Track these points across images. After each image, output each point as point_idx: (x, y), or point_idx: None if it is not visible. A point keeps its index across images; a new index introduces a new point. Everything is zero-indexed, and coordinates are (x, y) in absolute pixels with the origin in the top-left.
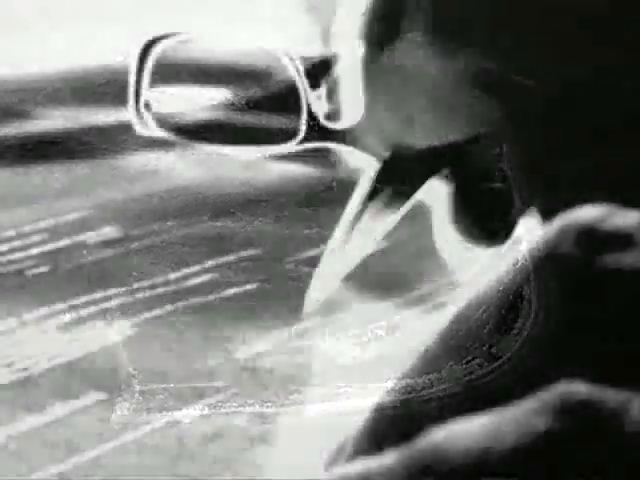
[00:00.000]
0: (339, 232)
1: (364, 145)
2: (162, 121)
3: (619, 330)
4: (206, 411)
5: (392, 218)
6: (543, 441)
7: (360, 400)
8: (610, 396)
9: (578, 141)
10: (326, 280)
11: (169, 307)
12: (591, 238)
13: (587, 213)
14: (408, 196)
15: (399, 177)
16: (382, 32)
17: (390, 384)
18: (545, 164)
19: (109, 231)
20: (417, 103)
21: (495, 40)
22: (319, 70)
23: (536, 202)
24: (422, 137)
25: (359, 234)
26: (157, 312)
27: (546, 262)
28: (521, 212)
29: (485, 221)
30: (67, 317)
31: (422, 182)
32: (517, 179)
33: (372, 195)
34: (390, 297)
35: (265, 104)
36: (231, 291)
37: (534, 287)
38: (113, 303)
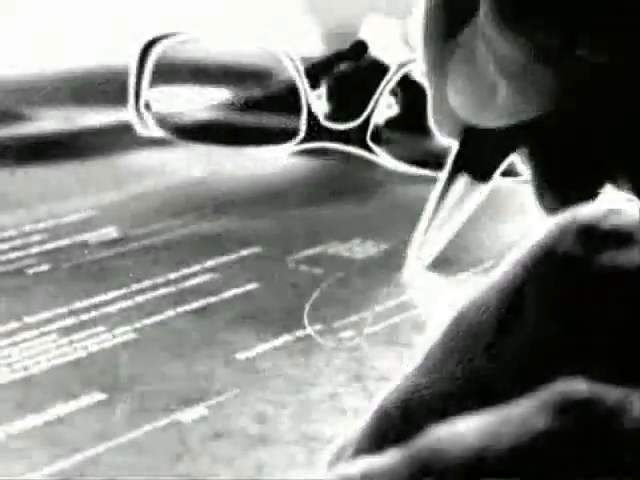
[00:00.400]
0: (423, 222)
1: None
2: (162, 121)
3: (619, 329)
4: (206, 412)
5: (472, 202)
6: (543, 440)
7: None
8: (610, 395)
9: None
10: (412, 268)
11: (169, 307)
12: (591, 236)
13: (587, 211)
14: (487, 178)
15: (477, 160)
16: (452, 19)
17: (392, 384)
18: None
19: (109, 231)
20: (489, 84)
21: (560, 16)
22: (319, 70)
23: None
24: (497, 117)
25: (440, 221)
26: (157, 312)
27: (546, 261)
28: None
29: (568, 196)
30: (68, 318)
31: (501, 162)
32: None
33: (451, 181)
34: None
35: (265, 104)
36: (231, 290)
37: (534, 286)
38: (113, 303)
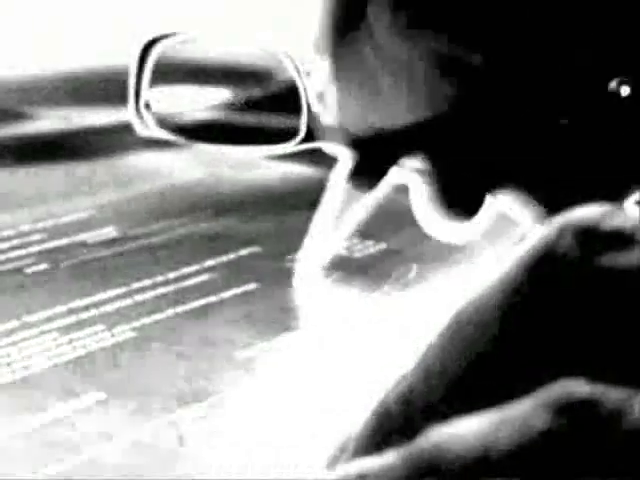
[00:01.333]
0: (317, 221)
1: (339, 136)
2: (162, 121)
3: (619, 330)
4: (206, 412)
5: (367, 202)
6: (543, 440)
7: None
8: (611, 395)
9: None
10: (307, 271)
11: (169, 306)
12: (590, 237)
13: (586, 212)
14: (380, 179)
15: (372, 162)
16: (346, 19)
17: (392, 383)
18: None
19: (109, 231)
20: (383, 84)
21: (456, 22)
22: (319, 70)
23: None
24: (390, 118)
25: (337, 221)
26: (156, 311)
27: (545, 261)
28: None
29: (461, 200)
30: (67, 317)
31: (394, 164)
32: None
33: (348, 181)
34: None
35: (265, 104)
36: (231, 290)
37: (533, 287)
38: (112, 302)
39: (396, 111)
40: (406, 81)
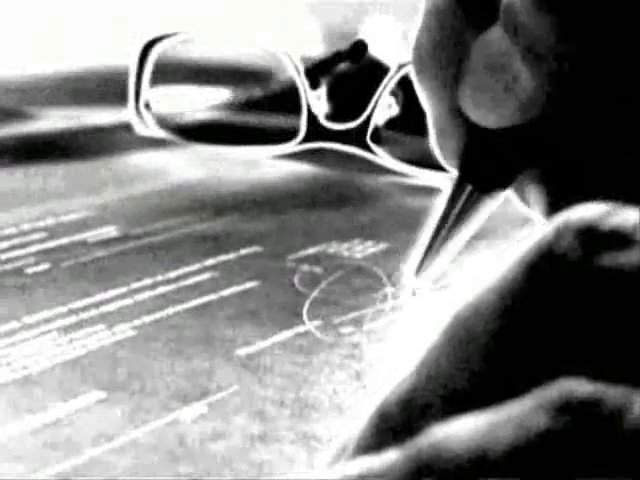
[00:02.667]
0: (424, 238)
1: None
2: (162, 121)
3: (619, 329)
4: (206, 410)
5: (478, 218)
6: (543, 440)
7: None
8: (611, 395)
9: None
10: (414, 283)
11: (169, 305)
12: (590, 237)
13: (586, 212)
14: (495, 191)
15: (483, 174)
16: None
17: (393, 383)
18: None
19: (109, 230)
20: (511, 75)
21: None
22: (319, 70)
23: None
24: (512, 112)
25: (444, 238)
26: (157, 310)
27: (544, 261)
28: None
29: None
30: (68, 316)
31: (508, 178)
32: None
33: (456, 195)
34: None
35: (265, 104)
36: (231, 289)
37: (533, 287)
38: (112, 302)
39: (523, 99)
40: (539, 62)
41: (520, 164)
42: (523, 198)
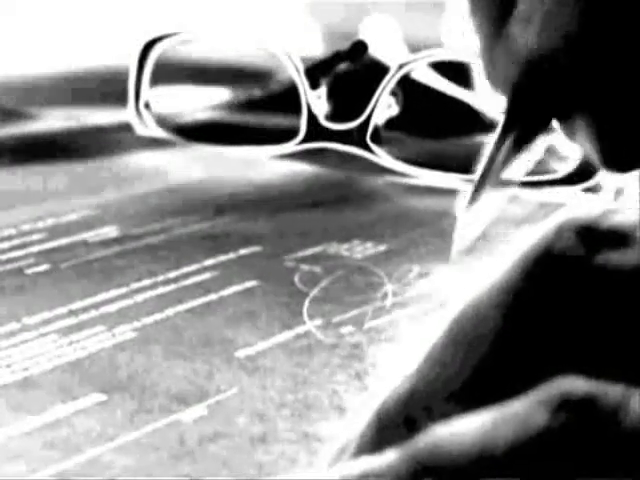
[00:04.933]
0: (471, 187)
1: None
2: (162, 121)
3: (617, 328)
4: (207, 411)
5: (522, 164)
6: (542, 438)
7: None
8: (609, 393)
9: None
10: (464, 234)
11: (169, 306)
12: (589, 236)
13: (585, 211)
14: (537, 135)
15: (528, 117)
16: None
17: (392, 383)
18: None
19: (109, 230)
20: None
21: None
22: (319, 70)
23: None
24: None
25: (492, 184)
26: (157, 311)
27: (544, 260)
28: None
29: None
30: (68, 317)
31: (551, 119)
32: None
33: (501, 141)
34: None
35: (265, 104)
36: (231, 289)
37: (532, 286)
38: (113, 303)
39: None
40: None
41: (569, 105)
42: (572, 138)
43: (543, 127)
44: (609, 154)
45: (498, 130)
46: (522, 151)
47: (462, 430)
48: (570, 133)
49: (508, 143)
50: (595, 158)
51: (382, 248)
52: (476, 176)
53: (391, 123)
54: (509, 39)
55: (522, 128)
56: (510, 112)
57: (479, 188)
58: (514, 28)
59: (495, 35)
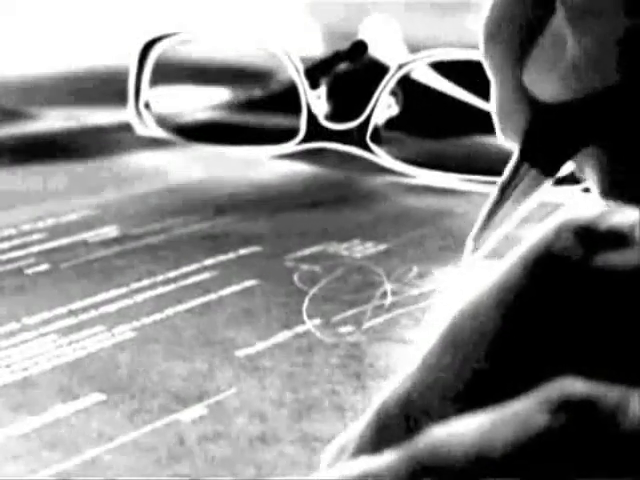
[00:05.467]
0: (482, 214)
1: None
2: (162, 121)
3: (616, 329)
4: (206, 411)
5: (535, 196)
6: (541, 439)
7: None
8: (608, 394)
9: None
10: (468, 260)
11: (169, 305)
12: (588, 237)
13: (584, 212)
14: (554, 172)
15: (543, 153)
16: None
17: (392, 383)
18: None
19: (109, 230)
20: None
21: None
22: (319, 70)
23: None
24: (568, 84)
25: (502, 214)
26: (156, 311)
27: (543, 261)
28: None
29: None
30: (67, 317)
31: (569, 156)
32: None
33: (515, 174)
34: None
35: (265, 104)
36: (230, 289)
37: (532, 286)
38: (112, 302)
39: (574, 68)
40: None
41: (580, 143)
42: (581, 172)
43: (554, 168)
44: (615, 186)
45: (509, 169)
46: (533, 190)
47: (461, 431)
48: (581, 171)
49: (519, 181)
50: (600, 189)
51: (382, 248)
52: (484, 213)
53: (391, 123)
54: (522, 91)
55: (529, 172)
56: (519, 158)
57: (486, 225)
58: (526, 77)
59: (509, 84)
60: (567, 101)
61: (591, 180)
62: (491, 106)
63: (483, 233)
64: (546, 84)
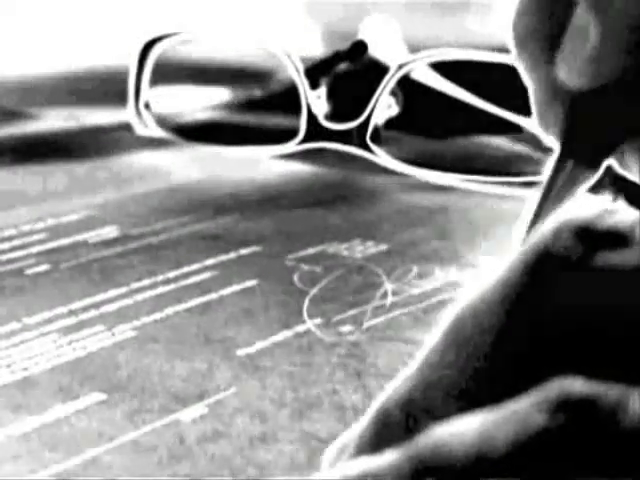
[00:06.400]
0: (528, 210)
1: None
2: (162, 121)
3: (616, 328)
4: (206, 411)
5: (579, 189)
6: (541, 438)
7: None
8: (608, 393)
9: None
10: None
11: (169, 306)
12: (587, 237)
13: (584, 211)
14: (596, 165)
15: (585, 148)
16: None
17: (392, 383)
18: None
19: (109, 230)
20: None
21: None
22: (319, 70)
23: None
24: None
25: (548, 209)
26: (157, 310)
27: (542, 260)
28: None
29: None
30: (67, 317)
31: (609, 150)
32: None
33: (559, 169)
34: None
35: (265, 104)
36: (231, 289)
37: (531, 286)
38: (112, 302)
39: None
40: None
41: (620, 135)
42: (624, 166)
43: (596, 162)
44: None
45: (552, 165)
46: (578, 185)
47: (462, 430)
48: (623, 164)
49: (562, 176)
50: None
51: (382, 248)
52: (529, 215)
53: (391, 123)
54: (557, 78)
55: (572, 167)
56: (563, 149)
57: (535, 223)
58: (561, 68)
59: (543, 81)
60: (600, 90)
61: (636, 175)
62: (531, 106)
63: (532, 230)
64: (574, 72)
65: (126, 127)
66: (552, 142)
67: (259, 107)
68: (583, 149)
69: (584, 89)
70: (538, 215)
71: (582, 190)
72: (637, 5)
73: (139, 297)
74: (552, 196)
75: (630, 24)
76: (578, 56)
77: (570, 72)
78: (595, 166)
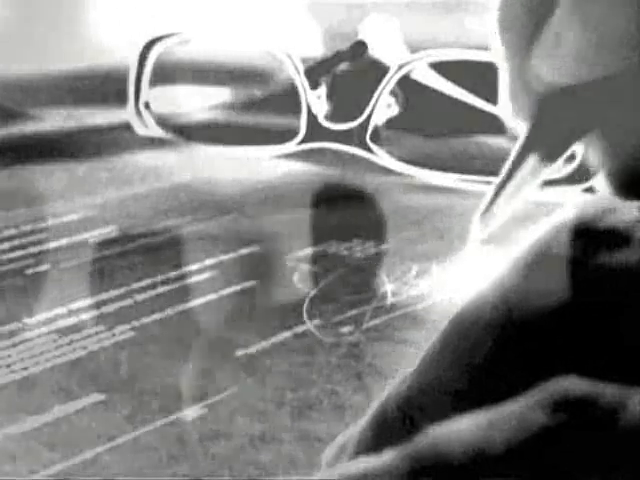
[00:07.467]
0: (485, 199)
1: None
2: (162, 121)
3: (614, 327)
4: (206, 411)
5: (537, 181)
6: (540, 438)
7: None
8: (607, 393)
9: None
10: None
11: (169, 306)
12: (587, 236)
13: (583, 210)
14: (556, 158)
15: (548, 140)
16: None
17: (392, 383)
18: None
19: (109, 230)
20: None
21: None
22: (319, 70)
23: None
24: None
25: (505, 198)
26: (156, 311)
27: (542, 260)
28: None
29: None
30: (67, 317)
31: (572, 143)
32: None
33: (520, 160)
34: None
35: (265, 104)
36: (230, 289)
37: (531, 286)
38: (112, 302)
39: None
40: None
41: (581, 130)
42: (587, 159)
43: (555, 155)
44: (622, 179)
45: (515, 153)
46: (537, 176)
47: (461, 430)
48: (587, 157)
49: (526, 164)
50: (608, 182)
51: (382, 248)
52: (491, 191)
53: (391, 123)
54: (531, 70)
55: (541, 151)
56: (529, 137)
57: (490, 207)
58: (536, 59)
59: (520, 65)
60: (571, 86)
61: (597, 168)
62: (503, 93)
63: (487, 214)
64: (550, 67)
65: (126, 127)
66: (519, 128)
67: (259, 107)
68: (546, 141)
69: (557, 84)
70: (492, 203)
71: (540, 181)
72: (618, 5)
73: (139, 297)
74: (510, 186)
75: (611, 24)
76: (556, 52)
77: (546, 66)
78: (553, 158)
